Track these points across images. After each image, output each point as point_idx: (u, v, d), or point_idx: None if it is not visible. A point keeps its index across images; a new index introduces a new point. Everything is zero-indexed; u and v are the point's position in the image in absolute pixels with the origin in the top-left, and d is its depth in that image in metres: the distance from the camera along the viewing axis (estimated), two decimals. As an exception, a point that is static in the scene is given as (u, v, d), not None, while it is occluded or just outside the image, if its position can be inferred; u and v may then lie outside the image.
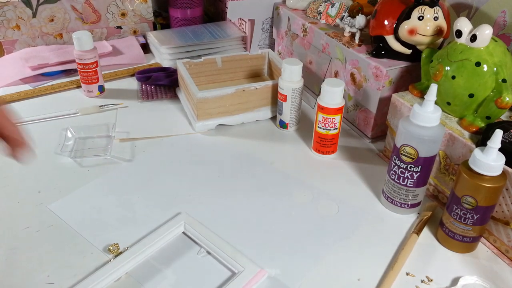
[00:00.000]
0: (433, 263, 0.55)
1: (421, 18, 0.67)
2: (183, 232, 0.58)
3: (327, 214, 0.61)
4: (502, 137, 0.50)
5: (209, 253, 0.55)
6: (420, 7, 0.67)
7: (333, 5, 0.85)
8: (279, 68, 0.81)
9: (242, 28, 1.04)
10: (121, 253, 0.53)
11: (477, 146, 0.56)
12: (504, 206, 0.54)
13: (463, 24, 0.59)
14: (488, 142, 0.49)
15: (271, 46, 1.05)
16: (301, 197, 0.64)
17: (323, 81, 0.69)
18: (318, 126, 0.71)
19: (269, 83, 0.78)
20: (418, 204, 0.61)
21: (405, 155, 0.57)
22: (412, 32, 0.68)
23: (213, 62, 0.86)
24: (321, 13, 0.86)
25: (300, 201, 0.64)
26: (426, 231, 0.59)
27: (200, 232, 0.56)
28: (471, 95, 0.60)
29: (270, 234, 0.58)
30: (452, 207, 0.54)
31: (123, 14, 1.05)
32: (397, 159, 0.58)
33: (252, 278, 0.51)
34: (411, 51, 0.71)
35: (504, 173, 0.51)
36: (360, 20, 0.77)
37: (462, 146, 0.58)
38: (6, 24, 0.95)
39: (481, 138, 0.57)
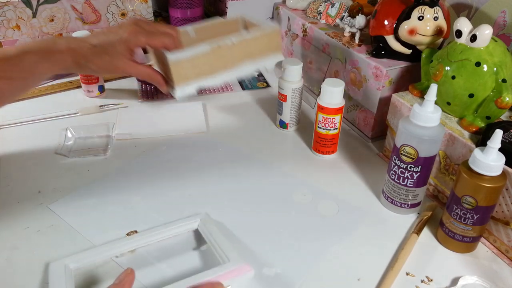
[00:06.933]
0: (433, 263, 0.55)
1: (421, 18, 0.67)
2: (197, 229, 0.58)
3: (327, 214, 0.61)
4: (502, 137, 0.50)
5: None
6: (420, 7, 0.67)
7: (333, 5, 0.85)
8: (257, 25, 0.73)
9: (242, 28, 1.03)
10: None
11: (477, 146, 0.56)
12: (504, 206, 0.54)
13: (463, 24, 0.59)
14: (488, 142, 0.49)
15: (271, 46, 1.05)
16: (301, 197, 0.64)
17: (323, 81, 0.69)
18: (318, 126, 0.71)
19: (247, 36, 0.69)
20: (418, 204, 0.61)
21: (405, 155, 0.57)
22: (412, 32, 0.68)
23: (185, 33, 0.76)
24: (321, 13, 0.86)
25: (300, 201, 0.64)
26: (426, 231, 0.59)
27: (214, 233, 0.56)
28: (471, 95, 0.60)
29: (270, 233, 0.58)
30: (452, 207, 0.54)
31: (123, 14, 1.05)
32: (397, 159, 0.58)
33: (232, 270, 0.50)
34: (411, 51, 0.71)
35: (504, 173, 0.51)
36: (360, 20, 0.77)
37: (462, 146, 0.58)
38: (6, 24, 0.95)
39: (481, 138, 0.57)
